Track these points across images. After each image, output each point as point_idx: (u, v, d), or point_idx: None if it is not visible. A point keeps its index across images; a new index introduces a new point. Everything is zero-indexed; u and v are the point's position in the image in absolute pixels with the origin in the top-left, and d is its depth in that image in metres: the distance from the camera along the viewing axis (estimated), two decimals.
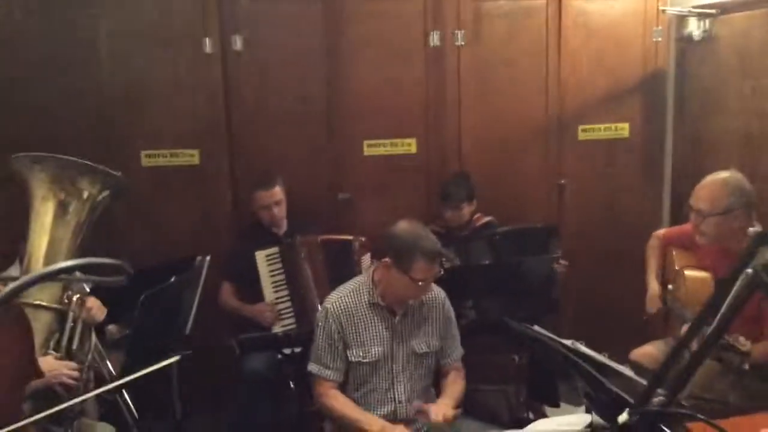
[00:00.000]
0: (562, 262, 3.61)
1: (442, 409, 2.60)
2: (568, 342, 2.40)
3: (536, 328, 2.23)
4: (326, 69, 3.88)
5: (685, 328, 2.87)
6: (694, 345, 2.08)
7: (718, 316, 1.09)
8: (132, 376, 2.31)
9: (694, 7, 3.77)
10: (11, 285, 0.95)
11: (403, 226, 2.62)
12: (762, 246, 1.06)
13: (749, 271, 1.07)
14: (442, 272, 2.64)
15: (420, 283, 2.56)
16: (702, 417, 1.32)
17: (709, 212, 2.78)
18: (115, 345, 2.99)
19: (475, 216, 3.84)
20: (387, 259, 2.59)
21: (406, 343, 2.70)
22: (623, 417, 1.39)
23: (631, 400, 1.44)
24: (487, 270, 3.52)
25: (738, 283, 1.10)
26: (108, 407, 2.81)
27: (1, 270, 2.96)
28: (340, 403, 2.64)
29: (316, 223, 3.76)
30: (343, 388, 2.70)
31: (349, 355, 2.65)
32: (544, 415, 3.69)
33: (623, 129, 4.21)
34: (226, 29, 3.75)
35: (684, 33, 3.91)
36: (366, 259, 3.57)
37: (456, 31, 3.94)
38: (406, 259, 2.53)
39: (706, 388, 2.67)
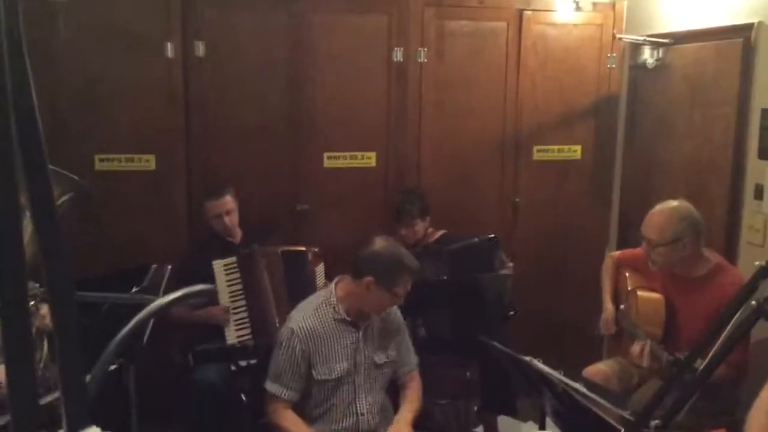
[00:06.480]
0: (509, 264, 3.64)
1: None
2: (526, 358, 2.46)
3: (503, 347, 2.27)
4: (289, 80, 3.86)
5: (636, 345, 2.96)
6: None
7: (718, 345, 1.13)
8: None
9: (648, 36, 3.90)
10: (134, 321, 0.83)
11: (383, 244, 2.64)
12: (764, 279, 1.11)
13: (753, 303, 1.11)
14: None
15: (396, 298, 2.62)
16: None
17: (658, 242, 2.85)
18: None
19: (429, 230, 3.87)
20: (369, 278, 2.58)
21: (368, 355, 2.72)
22: None
23: (615, 425, 1.47)
24: (441, 286, 3.54)
25: (739, 314, 1.14)
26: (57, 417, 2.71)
27: None
28: (289, 422, 2.64)
29: (275, 232, 3.72)
30: (303, 404, 2.69)
31: (314, 373, 2.64)
32: (495, 429, 3.74)
33: (576, 151, 4.32)
34: (189, 34, 3.69)
35: (638, 60, 4.04)
36: (320, 269, 3.57)
37: (419, 49, 3.98)
38: (393, 276, 2.57)
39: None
